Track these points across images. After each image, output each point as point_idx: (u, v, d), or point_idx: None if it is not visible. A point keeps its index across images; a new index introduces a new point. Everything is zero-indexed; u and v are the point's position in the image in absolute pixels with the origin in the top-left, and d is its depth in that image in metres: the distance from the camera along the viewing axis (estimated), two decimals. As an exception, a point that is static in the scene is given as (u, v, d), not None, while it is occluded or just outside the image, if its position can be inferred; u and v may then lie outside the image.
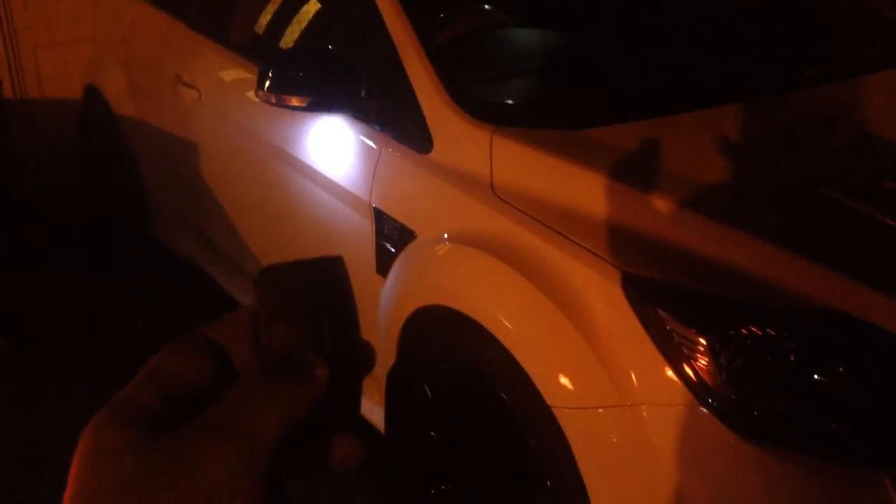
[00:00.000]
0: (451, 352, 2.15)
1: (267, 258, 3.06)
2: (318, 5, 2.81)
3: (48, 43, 4.62)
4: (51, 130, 4.65)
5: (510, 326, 1.95)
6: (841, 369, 1.70)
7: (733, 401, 1.71)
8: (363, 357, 0.59)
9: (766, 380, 1.72)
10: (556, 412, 1.85)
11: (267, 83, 2.40)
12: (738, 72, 2.47)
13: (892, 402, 1.70)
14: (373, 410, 2.47)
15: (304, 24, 2.77)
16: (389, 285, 2.32)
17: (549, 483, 1.90)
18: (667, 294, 1.79)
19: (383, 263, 2.35)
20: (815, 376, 1.70)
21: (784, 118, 2.39)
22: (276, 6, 2.94)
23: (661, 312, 1.77)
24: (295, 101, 2.39)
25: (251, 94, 2.91)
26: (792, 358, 1.72)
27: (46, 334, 3.58)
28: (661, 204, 1.94)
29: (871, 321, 1.71)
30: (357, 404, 0.58)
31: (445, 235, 2.16)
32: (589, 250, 1.89)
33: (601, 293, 1.84)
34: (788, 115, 2.40)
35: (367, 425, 2.52)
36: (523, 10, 2.58)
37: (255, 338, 0.56)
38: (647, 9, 2.64)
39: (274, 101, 2.41)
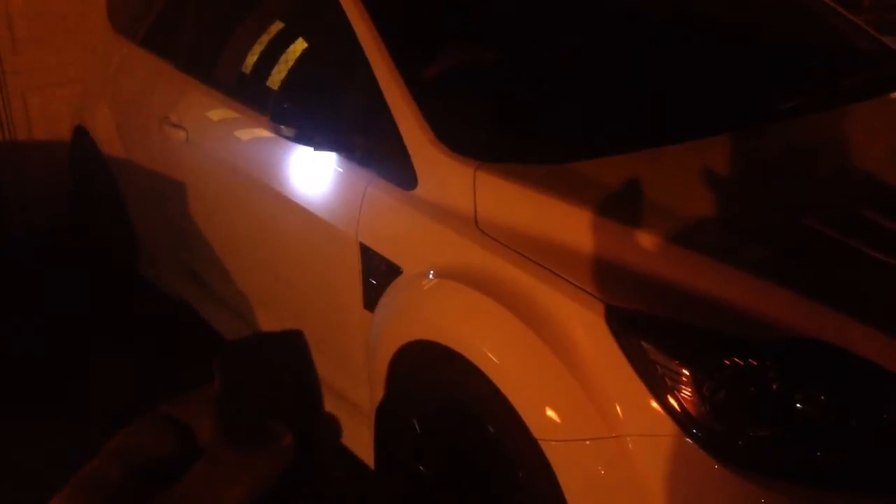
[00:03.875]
0: (438, 386, 2.16)
1: (255, 295, 3.07)
2: (305, 45, 2.85)
3: (38, 85, 4.65)
4: (40, 171, 4.68)
5: (496, 360, 1.96)
6: (823, 397, 1.72)
7: (718, 431, 1.72)
8: (327, 428, 0.59)
9: (749, 410, 1.74)
10: (543, 445, 1.86)
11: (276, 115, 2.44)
12: (721, 104, 2.51)
13: (875, 429, 1.72)
14: (362, 445, 2.48)
15: (290, 64, 2.80)
16: (377, 321, 2.34)
17: (537, 516, 1.91)
18: (650, 326, 1.81)
19: (370, 299, 2.37)
20: (798, 405, 1.72)
21: (765, 150, 2.42)
22: (262, 46, 2.97)
23: (645, 344, 1.79)
24: (285, 132, 2.43)
25: (238, 133, 2.95)
26: (774, 387, 1.73)
27: (33, 373, 3.58)
28: (643, 237, 1.96)
29: (851, 350, 1.73)
30: (323, 475, 0.58)
31: (431, 271, 2.17)
32: (573, 283, 1.90)
33: (585, 326, 1.86)
34: (769, 146, 2.43)
35: (356, 460, 2.52)
36: (505, 47, 2.62)
37: (218, 414, 0.56)
38: (627, 43, 2.67)
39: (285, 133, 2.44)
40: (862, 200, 2.19)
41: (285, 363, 0.57)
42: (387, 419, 2.36)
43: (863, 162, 2.45)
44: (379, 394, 2.36)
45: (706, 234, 2.01)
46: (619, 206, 2.05)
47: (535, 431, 1.87)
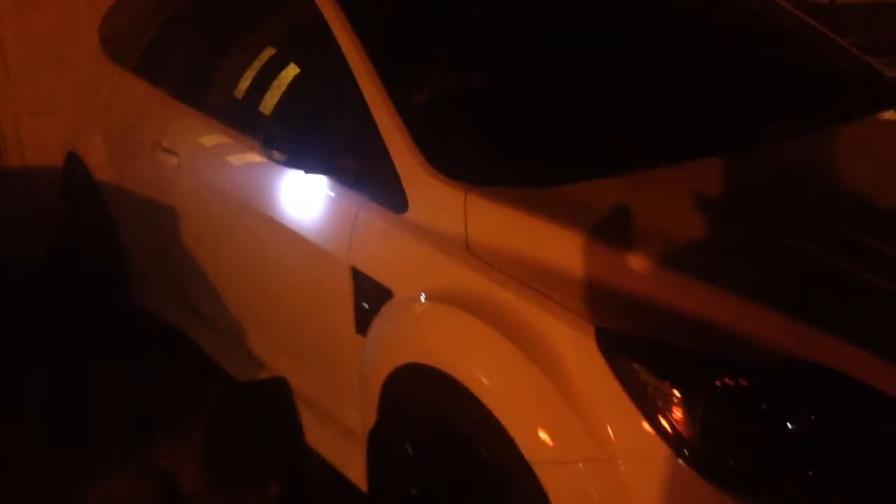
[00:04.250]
0: (430, 409, 2.16)
1: (248, 320, 3.08)
2: (296, 70, 2.87)
3: (31, 112, 4.68)
4: (33, 197, 4.69)
5: (487, 383, 1.96)
6: (813, 418, 1.73)
7: (709, 452, 1.73)
8: (310, 475, 0.59)
9: (740, 430, 1.74)
10: (536, 468, 1.86)
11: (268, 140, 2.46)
12: (708, 127, 2.53)
13: (866, 449, 1.72)
14: (355, 469, 2.48)
15: (281, 89, 2.82)
16: (369, 345, 2.34)
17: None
18: (640, 347, 1.82)
19: (363, 323, 2.37)
20: (788, 425, 1.72)
21: (753, 172, 2.43)
22: (253, 71, 2.99)
23: (635, 366, 1.80)
24: (276, 156, 2.45)
25: (230, 158, 2.96)
26: (765, 408, 1.74)
27: (24, 403, 3.57)
28: (633, 259, 1.97)
29: (842, 370, 1.74)
30: None
31: (422, 294, 2.18)
32: (563, 306, 1.91)
33: (576, 348, 1.86)
34: (758, 168, 2.44)
35: (349, 484, 2.53)
36: (495, 71, 2.64)
37: (203, 462, 0.56)
38: (615, 66, 2.70)
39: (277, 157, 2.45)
40: (850, 221, 2.20)
41: (269, 411, 0.58)
42: (379, 443, 2.36)
43: (851, 183, 2.47)
44: (371, 417, 2.36)
45: (696, 256, 2.02)
46: (610, 229, 2.06)
47: (527, 454, 1.87)
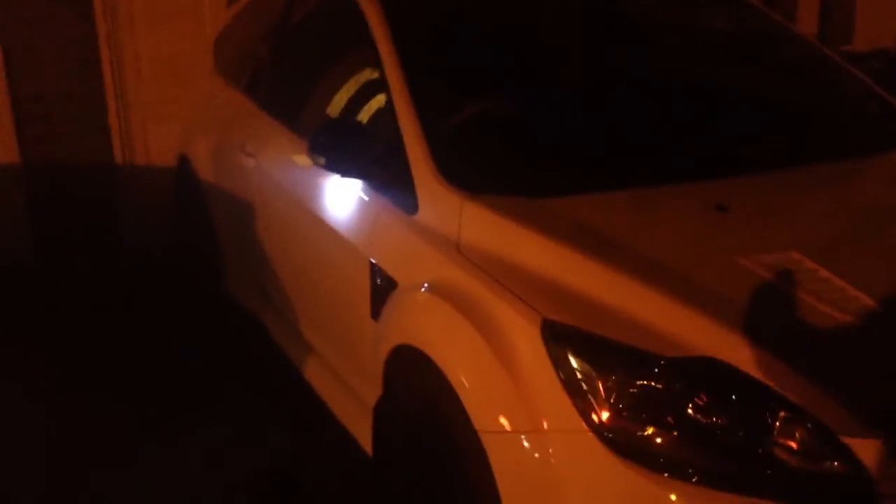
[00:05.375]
0: (416, 385, 2.47)
1: (300, 307, 3.47)
2: (345, 90, 3.25)
3: (156, 118, 5.27)
4: (154, 194, 5.27)
5: (451, 362, 2.26)
6: (713, 408, 1.95)
7: (625, 433, 1.98)
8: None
9: (652, 416, 1.98)
10: (482, 436, 2.15)
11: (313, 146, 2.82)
12: (689, 153, 2.76)
13: (760, 437, 1.93)
14: (365, 436, 2.82)
15: (331, 104, 3.23)
16: (378, 328, 2.68)
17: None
18: (576, 338, 2.08)
19: (376, 309, 2.72)
20: (690, 413, 1.95)
21: (728, 199, 2.54)
22: (315, 88, 3.41)
23: (568, 353, 2.06)
24: (318, 160, 2.82)
25: (288, 159, 3.38)
26: (673, 396, 1.97)
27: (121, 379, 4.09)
28: (590, 263, 2.23)
29: (743, 368, 1.96)
30: None
31: (419, 285, 2.50)
32: (522, 299, 2.20)
33: (524, 335, 2.14)
34: (739, 195, 2.60)
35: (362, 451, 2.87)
36: (507, 96, 2.95)
37: None
38: (611, 81, 2.96)
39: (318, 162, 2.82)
40: (800, 246, 2.36)
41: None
42: (383, 414, 2.69)
43: (821, 214, 2.62)
44: (378, 391, 2.69)
45: (645, 264, 2.24)
46: (575, 236, 2.33)
47: (476, 423, 2.16)
